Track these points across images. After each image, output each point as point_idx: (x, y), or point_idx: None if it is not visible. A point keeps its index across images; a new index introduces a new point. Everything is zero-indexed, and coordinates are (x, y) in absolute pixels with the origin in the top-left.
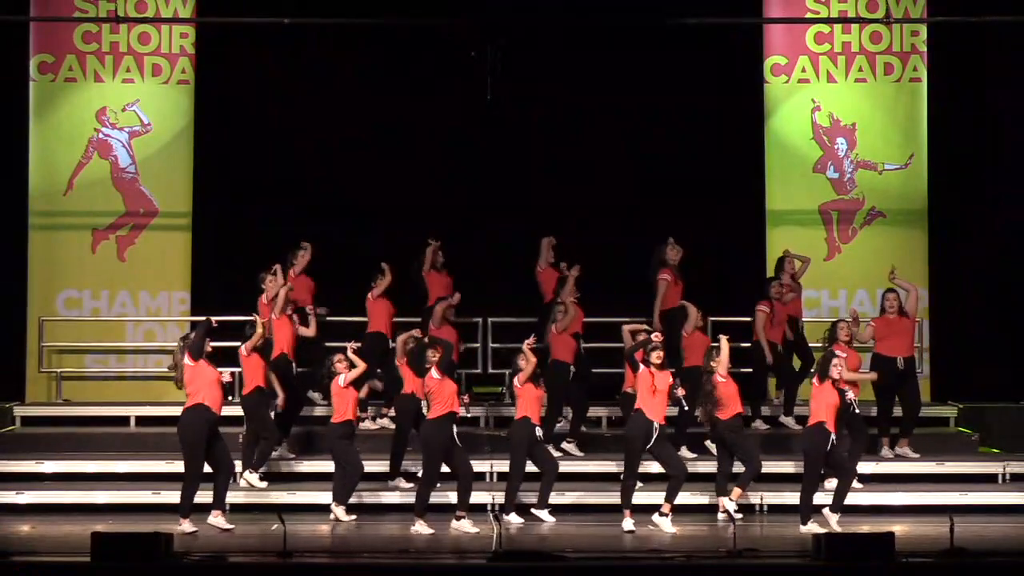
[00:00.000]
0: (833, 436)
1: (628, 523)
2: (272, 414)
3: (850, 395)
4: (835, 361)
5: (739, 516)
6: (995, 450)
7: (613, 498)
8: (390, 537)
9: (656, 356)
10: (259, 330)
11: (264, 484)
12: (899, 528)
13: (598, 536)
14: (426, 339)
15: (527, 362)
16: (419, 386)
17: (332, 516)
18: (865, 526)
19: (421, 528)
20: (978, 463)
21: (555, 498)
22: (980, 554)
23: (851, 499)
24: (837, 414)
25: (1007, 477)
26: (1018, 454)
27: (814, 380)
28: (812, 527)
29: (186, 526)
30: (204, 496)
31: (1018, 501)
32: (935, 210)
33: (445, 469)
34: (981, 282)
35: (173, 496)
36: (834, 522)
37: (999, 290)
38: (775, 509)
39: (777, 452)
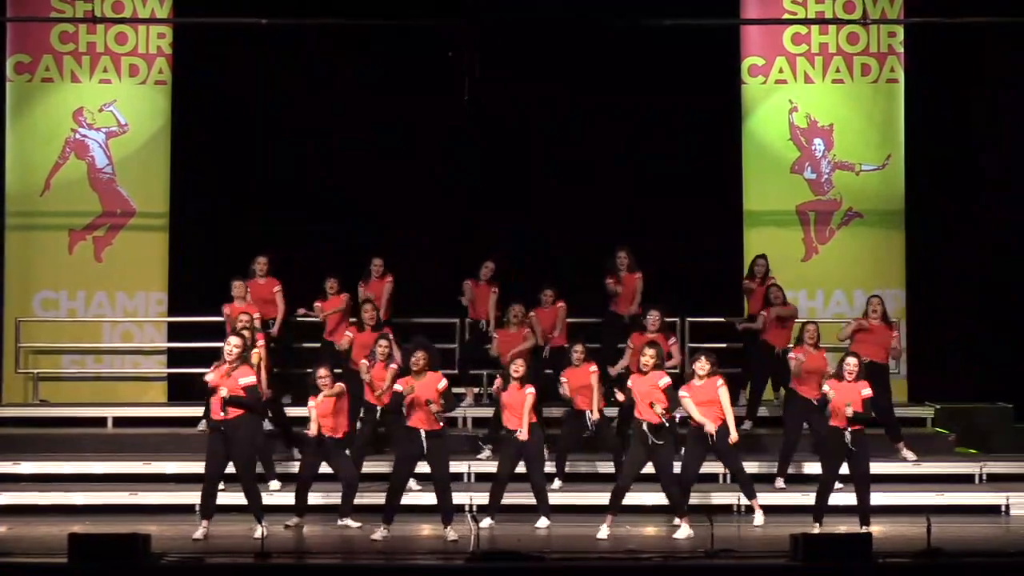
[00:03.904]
0: (845, 434)
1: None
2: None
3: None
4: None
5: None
6: (972, 450)
7: (588, 499)
8: (368, 538)
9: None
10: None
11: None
12: (876, 528)
13: (575, 537)
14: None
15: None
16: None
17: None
18: (843, 526)
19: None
20: (955, 463)
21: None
22: (957, 554)
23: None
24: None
25: (984, 477)
26: (994, 454)
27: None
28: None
29: (258, 531)
30: (187, 498)
31: (994, 501)
32: (912, 211)
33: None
34: (958, 282)
35: (150, 497)
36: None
37: (976, 291)
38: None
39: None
